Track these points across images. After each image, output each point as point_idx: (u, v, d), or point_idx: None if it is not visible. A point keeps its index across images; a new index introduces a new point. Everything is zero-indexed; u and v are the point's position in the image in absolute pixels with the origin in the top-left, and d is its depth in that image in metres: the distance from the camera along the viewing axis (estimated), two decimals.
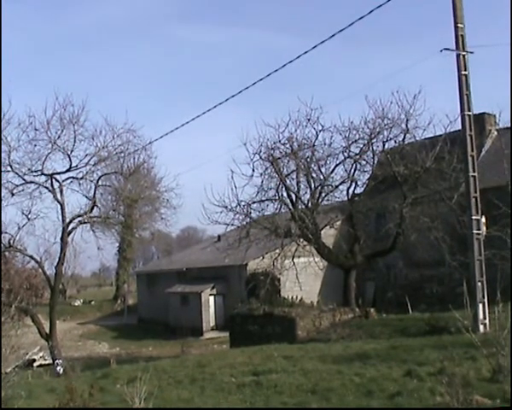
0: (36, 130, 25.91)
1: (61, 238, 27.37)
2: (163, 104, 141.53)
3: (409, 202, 24.16)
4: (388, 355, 13.66)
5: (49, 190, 27.09)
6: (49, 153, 26.49)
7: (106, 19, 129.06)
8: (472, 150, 16.72)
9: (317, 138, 25.20)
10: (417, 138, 25.09)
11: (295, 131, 25.08)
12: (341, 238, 30.28)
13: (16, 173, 26.39)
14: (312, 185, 25.75)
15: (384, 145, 25.42)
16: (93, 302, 63.70)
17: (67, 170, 27.21)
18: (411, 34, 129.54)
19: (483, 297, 16.01)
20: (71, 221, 27.58)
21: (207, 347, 32.82)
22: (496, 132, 34.25)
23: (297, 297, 26.77)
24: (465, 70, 16.55)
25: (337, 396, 10.48)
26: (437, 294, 30.29)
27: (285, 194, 25.53)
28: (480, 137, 31.02)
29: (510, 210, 22.45)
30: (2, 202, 25.98)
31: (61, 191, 27.27)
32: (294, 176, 25.66)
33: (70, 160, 26.86)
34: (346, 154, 25.42)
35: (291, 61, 16.53)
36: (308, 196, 25.87)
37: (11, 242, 27.03)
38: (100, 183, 28.20)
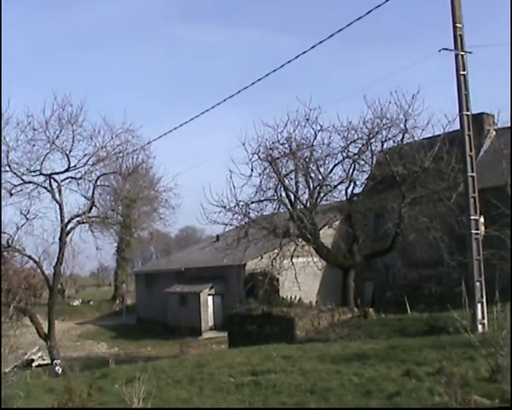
0: (34, 130, 25.97)
1: (60, 238, 27.37)
2: (163, 104, 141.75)
3: (407, 202, 24.17)
4: (387, 355, 13.66)
5: (48, 190, 27.12)
6: (47, 153, 26.54)
7: (106, 19, 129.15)
8: (470, 150, 16.73)
9: (315, 138, 25.23)
10: (416, 138, 25.10)
11: (294, 131, 25.11)
12: (340, 238, 30.30)
13: (15, 173, 26.45)
14: (311, 185, 25.76)
15: (383, 145, 25.44)
16: (92, 302, 63.68)
17: (66, 170, 27.24)
18: (410, 34, 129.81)
19: (481, 297, 16.01)
20: (69, 221, 27.59)
21: (206, 347, 32.81)
22: (494, 132, 34.27)
23: (296, 297, 26.76)
24: (464, 70, 16.56)
25: (336, 396, 10.48)
26: (435, 294, 30.31)
27: (284, 194, 25.54)
28: (479, 137, 31.01)
29: (510, 210, 22.45)
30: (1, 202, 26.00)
31: (60, 191, 27.31)
32: (293, 176, 25.68)
33: (68, 160, 26.92)
34: (344, 154, 25.45)
35: (289, 61, 16.55)
36: (307, 195, 25.89)
37: (10, 242, 27.04)
38: (98, 183, 28.21)
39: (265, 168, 25.17)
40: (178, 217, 68.59)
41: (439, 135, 24.36)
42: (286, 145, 25.24)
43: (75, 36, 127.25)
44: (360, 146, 25.27)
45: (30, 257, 28.62)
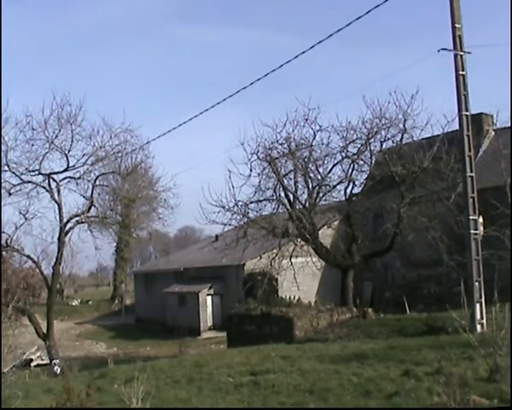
0: (33, 129, 25.96)
1: (59, 238, 27.36)
2: (163, 104, 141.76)
3: (406, 202, 24.18)
4: (386, 355, 13.66)
5: (47, 190, 27.10)
6: (46, 152, 26.52)
7: (106, 19, 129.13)
8: (469, 150, 16.73)
9: (314, 138, 25.24)
10: (415, 138, 25.10)
11: (293, 131, 25.11)
12: (339, 238, 30.31)
13: (13, 173, 26.43)
14: (310, 185, 25.76)
15: (382, 145, 25.45)
16: (90, 302, 63.67)
17: (65, 170, 27.23)
18: (410, 34, 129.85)
19: (480, 297, 16.02)
20: (68, 221, 27.58)
21: (205, 347, 32.80)
22: (493, 132, 34.28)
23: (294, 297, 26.77)
24: (463, 70, 16.56)
25: (335, 396, 10.48)
26: (434, 294, 30.33)
27: (283, 194, 25.54)
28: (478, 138, 31.02)
29: (510, 210, 22.44)
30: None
31: (59, 191, 27.29)
32: (292, 176, 25.69)
33: (67, 159, 26.91)
34: (343, 154, 25.45)
35: (288, 61, 16.53)
36: (306, 195, 25.89)
37: (8, 241, 27.01)
38: (97, 182, 28.22)
39: (264, 168, 25.20)
40: (177, 217, 68.56)
41: (438, 135, 24.37)
42: (285, 145, 25.27)
43: (75, 36, 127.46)
44: (359, 146, 25.29)
45: (29, 257, 28.62)
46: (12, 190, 26.42)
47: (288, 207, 25.40)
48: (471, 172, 16.68)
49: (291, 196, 25.50)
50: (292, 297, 26.77)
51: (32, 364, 29.01)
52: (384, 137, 25.07)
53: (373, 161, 26.16)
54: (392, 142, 25.34)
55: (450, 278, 27.01)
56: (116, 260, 61.80)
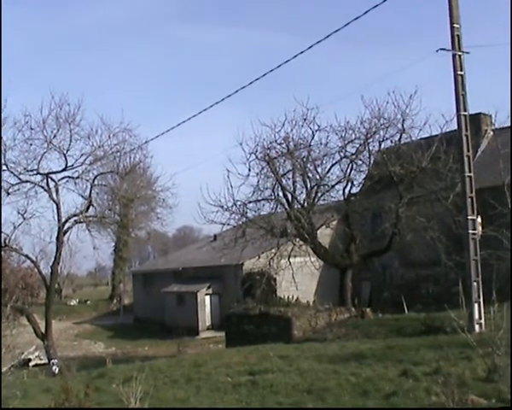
0: (32, 129, 25.92)
1: (57, 238, 27.34)
2: (163, 104, 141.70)
3: (405, 202, 24.19)
4: (384, 355, 13.67)
5: (45, 190, 27.05)
6: (44, 152, 26.48)
7: (106, 19, 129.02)
8: (468, 150, 16.74)
9: (313, 138, 25.23)
10: (413, 138, 25.10)
11: (291, 130, 25.11)
12: (337, 238, 30.29)
13: (12, 172, 26.39)
14: (308, 185, 25.76)
15: (380, 145, 25.45)
16: (89, 302, 63.63)
17: (63, 169, 27.19)
18: (409, 34, 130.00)
19: (478, 297, 16.03)
20: (66, 220, 27.55)
21: (203, 346, 32.80)
22: (492, 132, 34.28)
23: (293, 297, 26.78)
24: (461, 70, 16.56)
25: (333, 396, 10.48)
26: (433, 294, 30.35)
27: (281, 194, 25.55)
28: (476, 138, 31.05)
29: (510, 210, 22.46)
30: None
31: (57, 191, 27.26)
32: (290, 176, 25.68)
33: (66, 159, 26.88)
34: (342, 153, 25.45)
35: (287, 61, 16.52)
36: (304, 195, 25.91)
37: (6, 241, 26.97)
38: (96, 182, 28.19)
39: (263, 168, 25.21)
40: (176, 216, 68.47)
41: (436, 135, 24.38)
42: (283, 145, 25.26)
43: (75, 36, 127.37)
44: (358, 146, 25.29)
45: (27, 256, 28.56)
46: (10, 190, 26.39)
47: (287, 206, 25.40)
48: (469, 172, 16.68)
49: (289, 196, 25.52)
50: (290, 297, 26.77)
51: (31, 364, 29.02)
52: (382, 137, 25.11)
53: (371, 161, 26.17)
54: (391, 142, 25.37)
55: (448, 277, 27.00)
56: (114, 259, 61.76)
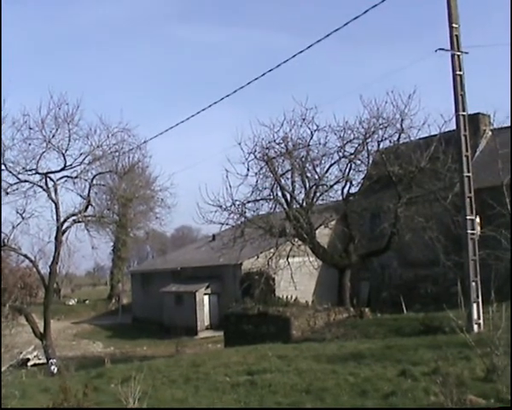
0: (30, 129, 25.88)
1: (56, 237, 27.31)
2: (163, 104, 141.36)
3: (403, 202, 24.20)
4: (383, 355, 13.67)
5: (44, 189, 27.04)
6: (43, 152, 26.46)
7: (106, 18, 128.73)
8: (466, 150, 16.75)
9: (311, 138, 25.23)
10: (412, 138, 25.12)
11: (290, 130, 25.09)
12: (336, 238, 30.29)
13: (10, 172, 26.36)
14: (307, 185, 25.76)
15: (379, 145, 25.44)
16: (87, 302, 63.57)
17: (62, 169, 27.19)
18: (408, 34, 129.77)
19: (477, 297, 16.04)
20: (65, 220, 27.54)
21: (202, 346, 32.81)
22: (490, 132, 34.29)
23: (292, 297, 26.77)
24: (460, 70, 16.57)
25: (331, 396, 10.48)
26: (431, 294, 30.36)
27: (280, 193, 25.55)
28: (475, 138, 31.08)
29: (510, 210, 22.46)
30: None
31: (56, 190, 27.26)
32: (289, 175, 25.67)
33: (64, 159, 26.87)
34: (340, 153, 25.45)
35: (286, 61, 16.50)
36: (303, 195, 25.90)
37: (5, 241, 26.96)
38: (94, 182, 28.19)
39: (261, 168, 25.19)
40: (174, 216, 68.57)
41: (435, 135, 24.39)
42: (282, 145, 25.25)
43: (74, 35, 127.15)
44: (356, 146, 25.28)
45: (26, 256, 28.55)
46: (9, 190, 26.36)
47: (286, 206, 25.41)
48: (468, 172, 16.69)
49: (288, 196, 25.51)
50: (289, 297, 26.76)
51: (29, 363, 29.02)
52: (381, 137, 25.11)
53: (370, 161, 26.17)
54: (390, 142, 25.37)
55: (447, 277, 27.02)
56: (113, 259, 61.69)
